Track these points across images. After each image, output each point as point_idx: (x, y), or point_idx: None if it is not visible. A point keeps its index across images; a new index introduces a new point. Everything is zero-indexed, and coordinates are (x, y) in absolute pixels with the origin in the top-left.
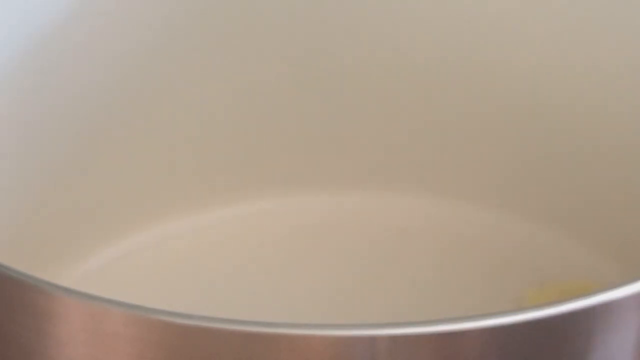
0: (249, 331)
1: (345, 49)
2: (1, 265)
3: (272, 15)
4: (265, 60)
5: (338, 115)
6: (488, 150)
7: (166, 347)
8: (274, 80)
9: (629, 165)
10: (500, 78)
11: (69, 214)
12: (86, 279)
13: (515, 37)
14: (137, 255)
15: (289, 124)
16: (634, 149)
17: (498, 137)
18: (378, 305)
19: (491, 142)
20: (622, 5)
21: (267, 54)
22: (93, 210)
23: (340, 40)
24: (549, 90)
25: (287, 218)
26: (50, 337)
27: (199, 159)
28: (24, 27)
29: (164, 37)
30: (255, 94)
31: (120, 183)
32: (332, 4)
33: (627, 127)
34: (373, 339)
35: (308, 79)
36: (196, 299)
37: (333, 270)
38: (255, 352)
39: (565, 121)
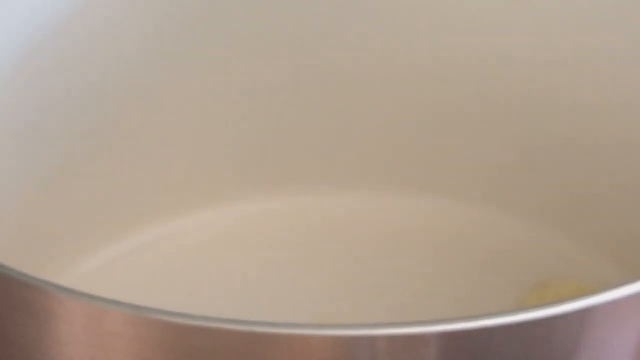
0: (249, 331)
1: (345, 50)
2: (1, 266)
3: (273, 16)
4: (266, 61)
5: (338, 116)
6: (488, 150)
7: (166, 347)
8: (275, 80)
9: (628, 165)
10: (498, 79)
11: (69, 213)
12: (86, 279)
13: (512, 37)
14: (137, 255)
15: (289, 124)
16: (633, 149)
17: (498, 137)
18: (378, 305)
19: (492, 143)
20: (622, 2)
21: (267, 54)
22: (93, 210)
23: (340, 41)
24: (548, 90)
25: (287, 218)
26: (50, 337)
27: (198, 160)
28: (25, 28)
29: (164, 37)
30: (256, 93)
31: (120, 183)
32: (334, 5)
33: (627, 126)
34: (373, 339)
35: (309, 79)
36: (196, 299)
37: (333, 270)
38: (255, 352)
39: (566, 122)
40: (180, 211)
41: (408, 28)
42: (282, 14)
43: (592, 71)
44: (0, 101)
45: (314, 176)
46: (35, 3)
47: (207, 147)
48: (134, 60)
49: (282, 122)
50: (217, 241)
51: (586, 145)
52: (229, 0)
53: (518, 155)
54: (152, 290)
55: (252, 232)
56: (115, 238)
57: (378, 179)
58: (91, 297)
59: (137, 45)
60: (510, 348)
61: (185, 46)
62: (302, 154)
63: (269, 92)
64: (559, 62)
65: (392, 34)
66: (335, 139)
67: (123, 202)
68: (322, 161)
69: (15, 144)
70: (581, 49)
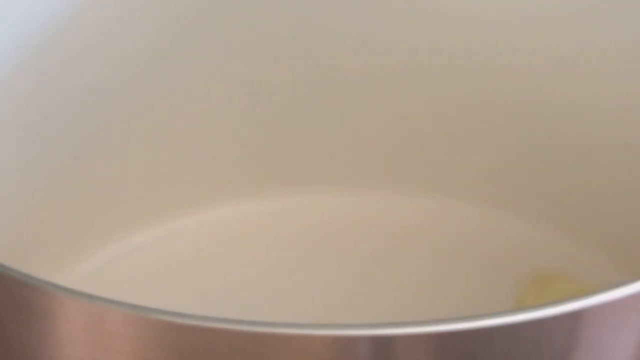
0: (248, 331)
1: (345, 49)
2: (1, 265)
3: (273, 16)
4: (266, 60)
5: (338, 115)
6: (489, 150)
7: (166, 347)
8: (274, 80)
9: (629, 165)
10: (496, 77)
11: (69, 214)
12: (86, 279)
13: (512, 37)
14: (137, 255)
15: (289, 124)
16: (633, 149)
17: (499, 137)
18: (378, 305)
19: (492, 143)
20: (622, 2)
21: (267, 54)
22: (93, 210)
23: (340, 40)
24: (548, 90)
25: (287, 218)
26: (50, 337)
27: (199, 159)
28: (26, 28)
29: (164, 38)
30: (256, 93)
31: (120, 183)
32: (332, 4)
33: (627, 126)
34: (373, 339)
35: (308, 79)
36: (196, 299)
37: (333, 270)
38: (255, 352)
39: (567, 122)
40: (181, 211)
41: (409, 27)
42: (283, 14)
43: (592, 71)
44: (1, 101)
45: (314, 176)
46: (36, 3)
47: (207, 147)
48: (135, 61)
49: (282, 122)
50: (217, 241)
51: (587, 145)
52: (227, 1)
53: (518, 155)
54: (152, 290)
55: (252, 232)
56: (115, 238)
57: (379, 179)
58: (91, 297)
59: (138, 45)
60: (510, 348)
61: (186, 47)
62: (302, 154)
63: (269, 92)
64: (560, 62)
65: (393, 33)
66: (335, 139)
67: (123, 202)
68: (323, 161)
69: (15, 144)
70: (581, 49)
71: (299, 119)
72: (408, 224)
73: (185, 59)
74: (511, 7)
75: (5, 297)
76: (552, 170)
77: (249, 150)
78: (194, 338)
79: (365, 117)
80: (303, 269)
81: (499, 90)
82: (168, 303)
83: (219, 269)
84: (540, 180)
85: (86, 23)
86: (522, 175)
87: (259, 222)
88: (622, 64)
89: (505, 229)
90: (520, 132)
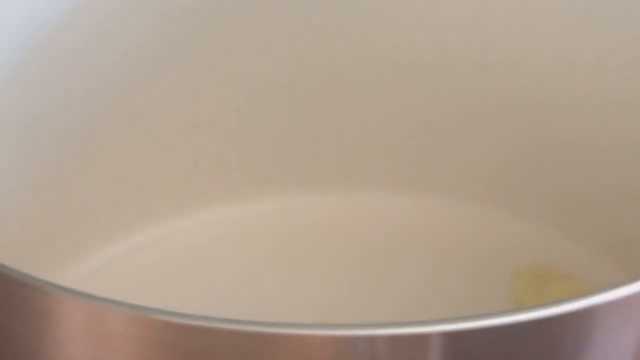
0: (249, 331)
1: (344, 48)
2: (1, 265)
3: (272, 15)
4: (265, 60)
5: (338, 115)
6: (488, 150)
7: (166, 347)
8: (274, 80)
9: (628, 165)
10: (497, 77)
11: (69, 214)
12: (86, 279)
13: (512, 37)
14: (137, 255)
15: (289, 123)
16: (633, 148)
17: (499, 137)
18: (378, 305)
19: (492, 143)
20: (622, 2)
21: (266, 54)
22: (93, 210)
23: (340, 40)
24: (548, 90)
25: (287, 218)
26: (50, 337)
27: (198, 159)
28: (26, 28)
29: (164, 38)
30: (255, 93)
31: (120, 183)
32: (333, 5)
33: (627, 126)
34: (373, 339)
35: (308, 78)
36: (196, 299)
37: (333, 270)
38: (255, 352)
39: (566, 122)
40: (180, 211)
41: (408, 27)
42: (281, 13)
43: (592, 71)
44: (1, 101)
45: (314, 176)
46: (36, 3)
47: (207, 147)
48: (134, 61)
49: (282, 122)
50: (217, 241)
51: (586, 145)
52: (227, 1)
53: (518, 155)
54: (152, 290)
55: (252, 232)
56: (115, 238)
57: (378, 179)
58: (91, 297)
59: (137, 45)
60: (510, 348)
61: (185, 46)
62: (302, 154)
63: (269, 91)
64: (560, 62)
65: (393, 33)
66: (335, 139)
67: (123, 202)
68: (323, 161)
69: (15, 144)
70: (581, 49)
71: (299, 119)
72: (408, 224)
73: (185, 59)
74: (512, 8)
75: (5, 297)
76: (552, 170)
77: (248, 150)
78: (194, 338)
79: (365, 117)
80: (303, 269)
81: (499, 90)
82: (168, 303)
83: (219, 269)
84: (540, 180)
85: (86, 23)
86: (522, 175)
87: (259, 222)
88: (623, 64)
89: (505, 229)
90: (520, 132)
